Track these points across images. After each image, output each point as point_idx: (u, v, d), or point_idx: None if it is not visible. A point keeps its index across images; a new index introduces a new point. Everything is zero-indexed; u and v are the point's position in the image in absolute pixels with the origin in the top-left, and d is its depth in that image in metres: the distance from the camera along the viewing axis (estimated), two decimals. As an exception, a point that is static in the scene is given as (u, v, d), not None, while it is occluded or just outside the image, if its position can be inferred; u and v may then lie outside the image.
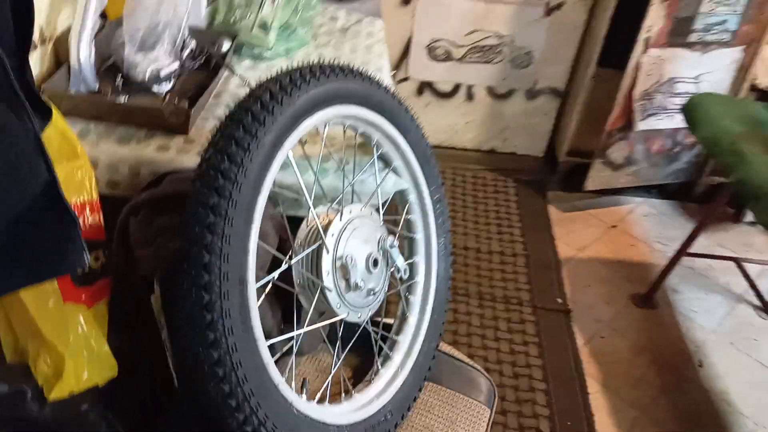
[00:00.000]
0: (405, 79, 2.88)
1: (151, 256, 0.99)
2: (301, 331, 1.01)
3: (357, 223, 1.08)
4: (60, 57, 1.39)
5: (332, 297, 1.03)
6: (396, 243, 1.13)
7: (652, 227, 2.66)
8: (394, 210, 1.27)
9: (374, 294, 1.10)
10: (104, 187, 1.23)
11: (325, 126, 1.07)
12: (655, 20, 2.33)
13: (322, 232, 1.01)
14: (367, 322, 1.15)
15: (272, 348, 1.01)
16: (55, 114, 1.18)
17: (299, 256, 1.00)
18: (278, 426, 0.90)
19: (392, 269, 1.15)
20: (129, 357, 1.04)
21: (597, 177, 2.69)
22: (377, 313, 1.21)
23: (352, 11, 1.98)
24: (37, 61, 1.32)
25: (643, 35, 2.36)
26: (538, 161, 3.02)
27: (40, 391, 0.95)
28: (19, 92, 0.63)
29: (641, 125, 2.56)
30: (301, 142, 1.04)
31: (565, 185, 2.84)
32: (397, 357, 1.22)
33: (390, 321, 1.29)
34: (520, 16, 2.72)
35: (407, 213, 1.28)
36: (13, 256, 0.71)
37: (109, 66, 1.42)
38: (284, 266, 0.98)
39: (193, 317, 0.83)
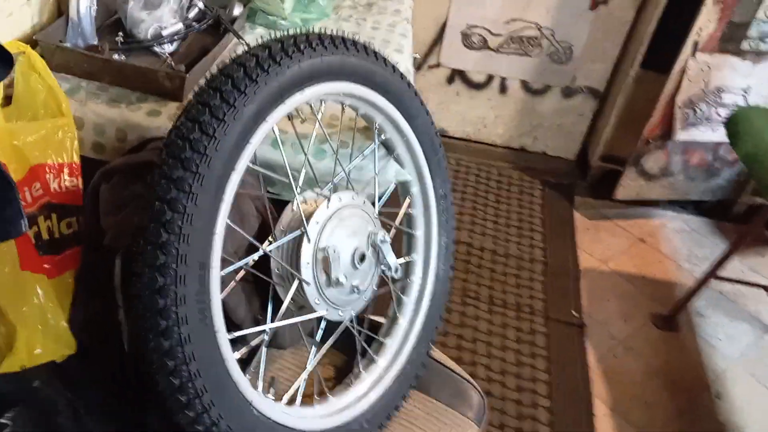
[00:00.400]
0: (436, 66, 2.76)
1: (115, 225, 0.91)
2: (272, 325, 0.92)
3: (346, 213, 0.98)
4: (62, 8, 1.32)
5: (310, 291, 0.94)
6: (388, 238, 1.03)
7: (683, 245, 2.51)
8: (394, 202, 1.17)
9: (359, 292, 1.00)
10: (89, 149, 1.16)
11: (321, 103, 0.98)
12: (706, 23, 2.17)
13: (304, 219, 0.92)
14: (352, 320, 1.06)
15: (242, 340, 0.93)
16: (43, 67, 1.11)
17: (276, 244, 0.91)
18: (233, 427, 0.82)
19: (383, 267, 1.05)
20: (98, 328, 0.97)
21: (629, 186, 2.54)
22: (364, 311, 1.12)
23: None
24: (36, 10, 1.25)
25: (692, 38, 2.20)
26: (568, 164, 2.88)
27: (-12, 362, 0.88)
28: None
29: (681, 135, 2.41)
30: (299, 119, 0.95)
31: (595, 192, 2.70)
32: (382, 361, 1.13)
33: (380, 320, 1.20)
34: (563, 8, 2.57)
35: (408, 207, 1.18)
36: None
37: (113, 22, 1.35)
38: (259, 253, 0.90)
39: (146, 301, 0.75)
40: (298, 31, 0.90)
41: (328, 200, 0.96)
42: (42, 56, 1.17)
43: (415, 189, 1.18)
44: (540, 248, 2.42)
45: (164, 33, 1.28)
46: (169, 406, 0.78)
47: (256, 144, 0.84)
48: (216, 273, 0.80)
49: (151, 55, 1.30)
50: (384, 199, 1.14)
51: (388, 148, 1.14)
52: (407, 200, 1.17)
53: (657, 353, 2.05)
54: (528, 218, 2.57)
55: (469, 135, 2.94)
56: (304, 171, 1.00)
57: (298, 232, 0.93)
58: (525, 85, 2.78)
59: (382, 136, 1.11)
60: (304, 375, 1.00)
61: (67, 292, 0.96)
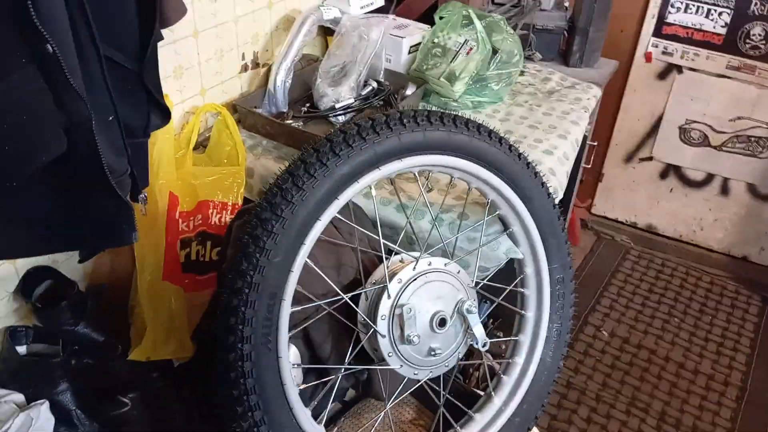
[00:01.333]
0: (648, 159, 2.63)
1: (230, 256, 1.08)
2: (341, 367, 1.00)
3: (433, 276, 1.03)
4: (268, 81, 1.60)
5: (384, 343, 1.00)
6: (475, 308, 1.05)
7: None
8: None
9: (436, 355, 1.03)
10: (256, 195, 1.37)
11: (428, 173, 1.06)
12: None
13: (387, 275, 0.99)
14: (439, 384, 1.09)
15: (324, 375, 1.02)
16: (233, 125, 1.37)
17: (356, 292, 1.00)
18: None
19: (470, 338, 1.06)
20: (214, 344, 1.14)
21: None
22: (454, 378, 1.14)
23: (572, 75, 1.90)
24: (246, 81, 1.55)
25: None
26: (801, 282, 2.49)
27: (127, 348, 1.10)
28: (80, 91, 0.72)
29: None
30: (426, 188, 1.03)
31: (828, 319, 2.29)
32: (465, 435, 1.12)
33: (479, 392, 1.19)
34: (803, 109, 2.30)
35: (521, 286, 1.18)
36: (88, 231, 0.85)
37: (308, 96, 1.60)
38: (339, 299, 0.99)
39: (221, 318, 0.89)
40: (468, 113, 0.99)
41: (416, 262, 1.02)
42: (239, 117, 1.46)
43: (528, 269, 1.17)
44: (740, 371, 2.12)
45: (337, 106, 1.48)
46: (226, 414, 0.90)
47: (344, 200, 0.94)
48: (286, 305, 0.91)
49: (327, 124, 1.50)
50: (490, 273, 1.16)
51: (504, 224, 1.16)
52: (518, 279, 1.17)
53: None
54: (734, 336, 2.27)
55: (682, 235, 2.71)
56: (403, 232, 1.07)
57: (380, 286, 1.00)
58: (752, 189, 2.51)
59: (497, 212, 1.14)
60: (373, 422, 1.05)
61: (200, 308, 1.15)
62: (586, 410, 1.93)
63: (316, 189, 0.91)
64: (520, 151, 1.12)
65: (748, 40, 2.30)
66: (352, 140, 0.93)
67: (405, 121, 0.97)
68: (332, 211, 0.94)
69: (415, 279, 1.01)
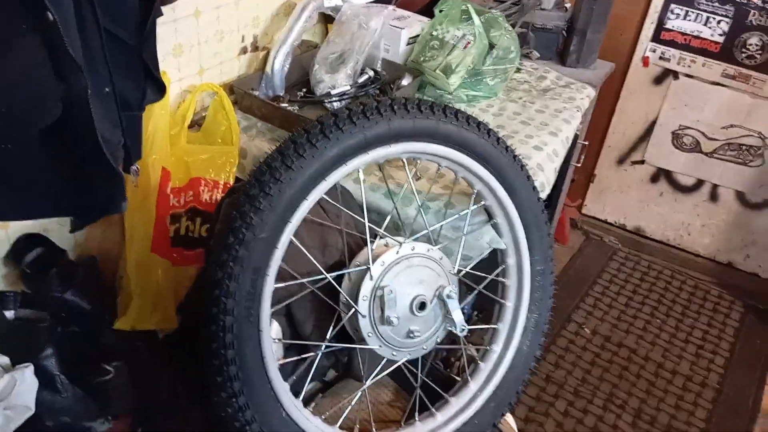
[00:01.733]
0: (640, 162, 2.66)
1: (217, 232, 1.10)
2: (322, 344, 1.03)
3: (416, 261, 1.06)
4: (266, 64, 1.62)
5: (364, 323, 1.02)
6: (455, 294, 1.07)
7: None
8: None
9: (415, 337, 1.06)
10: (247, 175, 1.40)
11: (417, 162, 1.08)
12: None
13: (370, 257, 1.02)
14: (416, 365, 1.12)
15: (304, 353, 1.05)
16: (229, 106, 1.39)
17: (338, 273, 1.02)
18: (258, 419, 0.93)
19: (448, 324, 1.09)
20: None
21: None
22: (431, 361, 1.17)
23: (568, 75, 1.92)
24: (245, 64, 1.57)
25: None
26: (784, 291, 2.53)
27: (113, 317, 1.12)
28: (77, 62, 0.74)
29: None
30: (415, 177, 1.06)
31: (807, 327, 2.32)
32: (441, 417, 1.16)
33: (455, 377, 1.22)
34: (795, 120, 2.33)
35: (502, 276, 1.21)
36: (79, 198, 0.87)
37: (305, 81, 1.61)
38: (322, 278, 1.01)
39: (206, 290, 0.91)
40: (463, 107, 1.02)
41: (400, 246, 1.05)
42: (236, 98, 1.48)
43: (510, 260, 1.20)
44: (717, 374, 2.15)
45: (333, 92, 1.50)
46: (209, 383, 0.93)
47: (332, 182, 0.97)
48: (270, 281, 0.93)
49: (322, 109, 1.52)
50: (473, 262, 1.18)
51: (489, 214, 1.19)
52: (499, 268, 1.20)
53: None
54: (714, 339, 2.30)
55: (669, 239, 2.74)
56: (390, 218, 1.10)
57: (363, 268, 1.03)
58: (741, 197, 2.54)
59: (483, 203, 1.16)
60: (350, 399, 1.08)
61: (187, 281, 1.17)
62: (564, 404, 1.96)
63: (304, 169, 0.93)
64: (507, 144, 1.14)
65: (744, 50, 2.33)
66: (342, 123, 0.96)
67: (395, 107, 1.00)
68: (319, 191, 0.96)
69: (397, 262, 1.04)
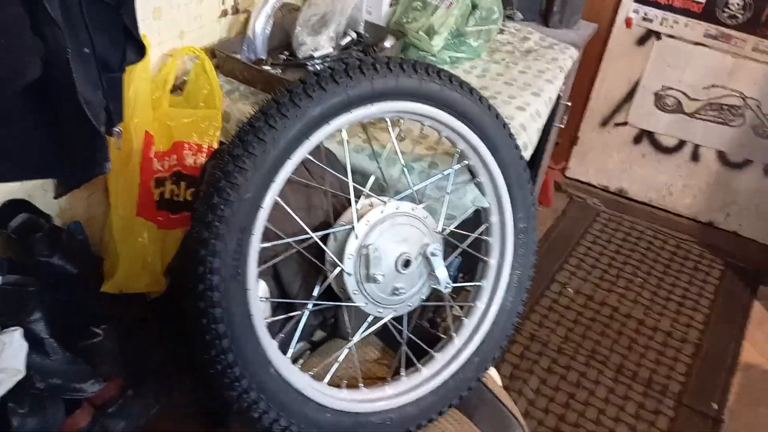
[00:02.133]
0: (623, 124, 2.68)
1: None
2: (307, 302, 1.04)
3: (400, 220, 1.07)
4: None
5: (350, 282, 1.04)
6: (439, 252, 1.09)
7: None
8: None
9: (400, 294, 1.08)
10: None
11: (400, 122, 1.09)
12: None
13: (355, 216, 1.03)
14: (402, 323, 1.14)
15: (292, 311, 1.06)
16: (211, 70, 1.37)
17: (324, 232, 1.03)
18: (247, 376, 0.95)
19: (432, 281, 1.11)
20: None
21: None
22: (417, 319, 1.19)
23: (551, 36, 1.92)
24: (226, 27, 1.55)
25: None
26: (762, 249, 2.58)
27: (100, 281, 1.13)
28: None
29: None
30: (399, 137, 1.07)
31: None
32: (426, 372, 1.18)
33: (441, 335, 1.25)
34: (774, 79, 2.35)
35: (486, 235, 1.23)
36: (62, 159, 0.87)
37: (288, 44, 1.60)
38: (308, 237, 1.02)
39: (193, 251, 0.92)
40: (446, 68, 1.02)
41: (384, 205, 1.06)
42: (218, 62, 1.46)
43: (494, 218, 1.22)
44: (697, 330, 2.21)
45: (315, 54, 1.49)
46: (197, 343, 0.94)
47: (315, 141, 0.97)
48: (256, 240, 0.94)
49: (305, 71, 1.52)
50: (458, 221, 1.20)
51: (472, 174, 1.20)
52: (482, 226, 1.22)
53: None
54: (694, 296, 2.36)
55: (652, 200, 2.78)
56: (374, 178, 1.11)
57: (348, 227, 1.04)
58: (722, 157, 2.57)
59: (465, 162, 1.17)
60: (336, 356, 1.10)
61: (174, 245, 1.18)
62: (548, 361, 2.01)
63: (287, 128, 0.93)
64: (490, 103, 1.15)
65: (726, 9, 2.34)
66: (324, 82, 0.96)
67: (378, 66, 1.00)
68: (303, 151, 0.97)
69: (382, 221, 1.05)
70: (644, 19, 2.46)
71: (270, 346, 0.98)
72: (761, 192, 2.53)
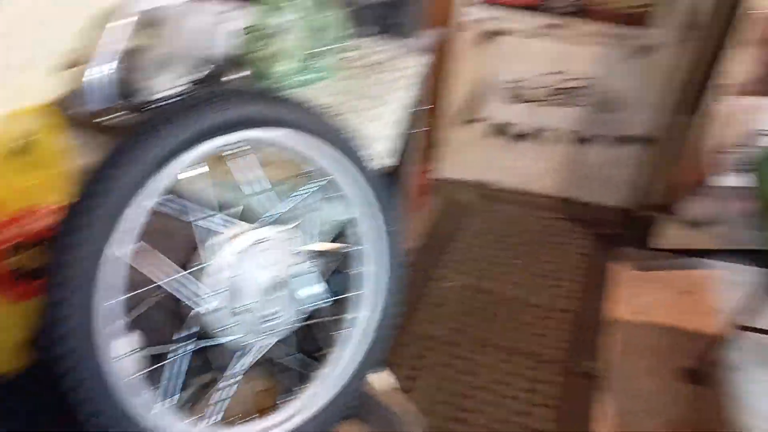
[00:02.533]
0: (482, 120, 2.83)
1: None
2: (168, 347, 1.04)
3: (265, 246, 1.09)
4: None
5: (219, 317, 1.05)
6: (303, 272, 1.12)
7: (732, 297, 2.34)
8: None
9: (274, 320, 1.10)
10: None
11: (248, 149, 1.11)
12: (739, 65, 2.09)
13: (211, 253, 1.04)
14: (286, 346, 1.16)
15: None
16: (56, 125, 1.34)
17: (171, 277, 1.02)
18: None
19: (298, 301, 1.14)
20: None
21: (672, 235, 2.44)
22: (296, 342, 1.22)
23: (400, 46, 2.00)
24: (66, 81, 1.51)
25: (723, 81, 2.13)
26: (616, 214, 2.81)
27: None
28: None
29: (727, 181, 2.30)
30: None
31: (642, 242, 2.60)
32: (311, 390, 1.20)
33: (323, 353, 1.28)
34: (606, 58, 2.58)
35: (353, 244, 1.27)
36: None
37: (130, 90, 1.58)
38: (158, 283, 1.01)
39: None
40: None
41: (248, 233, 1.07)
42: (59, 117, 1.42)
43: (359, 227, 1.26)
44: (576, 299, 2.37)
45: (154, 98, 1.48)
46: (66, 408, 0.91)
47: (154, 189, 0.97)
48: (101, 296, 0.91)
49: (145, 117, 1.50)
50: (330, 236, 1.23)
51: (334, 189, 1.23)
52: (345, 237, 1.26)
53: (681, 410, 1.93)
54: (568, 268, 2.53)
55: (518, 186, 2.95)
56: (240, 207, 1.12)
57: (205, 265, 1.04)
58: (572, 136, 2.78)
59: (326, 178, 1.21)
60: (222, 395, 1.10)
61: (31, 315, 1.13)
62: (442, 354, 2.08)
63: (121, 178, 0.93)
64: (336, 117, 1.20)
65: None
66: (146, 133, 0.97)
67: (205, 101, 1.02)
68: (140, 201, 0.96)
69: (247, 250, 1.07)
70: (481, 19, 2.63)
71: (135, 402, 0.96)
72: (609, 162, 2.76)
